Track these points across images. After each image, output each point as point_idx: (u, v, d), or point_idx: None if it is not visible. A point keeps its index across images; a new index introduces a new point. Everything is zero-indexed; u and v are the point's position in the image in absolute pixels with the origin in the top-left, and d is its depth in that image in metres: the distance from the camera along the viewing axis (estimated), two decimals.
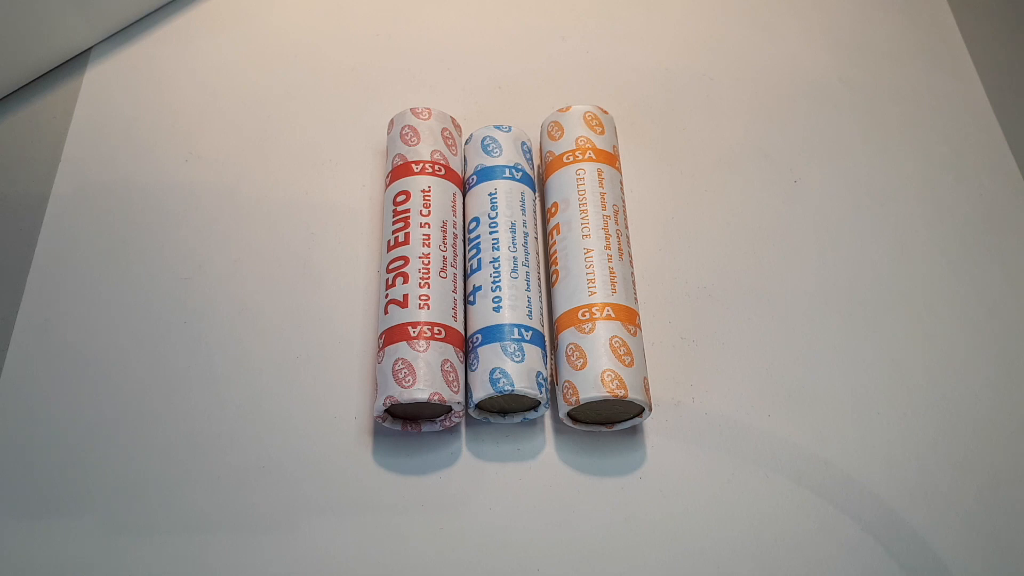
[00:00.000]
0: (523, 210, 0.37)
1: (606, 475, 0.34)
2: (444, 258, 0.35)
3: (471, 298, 0.35)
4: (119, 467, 0.34)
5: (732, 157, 0.43)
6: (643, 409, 0.34)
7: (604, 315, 0.34)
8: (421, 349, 0.33)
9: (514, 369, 0.33)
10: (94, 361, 0.36)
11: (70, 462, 0.34)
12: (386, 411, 0.34)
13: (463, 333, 0.35)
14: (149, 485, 0.34)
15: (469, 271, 0.36)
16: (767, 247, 0.40)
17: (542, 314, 0.35)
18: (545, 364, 0.34)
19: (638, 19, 0.48)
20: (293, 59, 0.45)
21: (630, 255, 0.36)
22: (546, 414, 0.36)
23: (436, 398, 0.32)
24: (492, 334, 0.34)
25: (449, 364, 0.33)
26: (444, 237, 0.36)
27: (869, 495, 0.34)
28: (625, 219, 0.37)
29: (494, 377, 0.33)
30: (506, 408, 0.35)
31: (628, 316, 0.34)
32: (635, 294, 0.35)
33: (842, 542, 0.33)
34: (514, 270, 0.35)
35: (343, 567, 0.32)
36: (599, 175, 0.37)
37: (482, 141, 0.39)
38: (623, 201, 0.38)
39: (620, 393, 0.32)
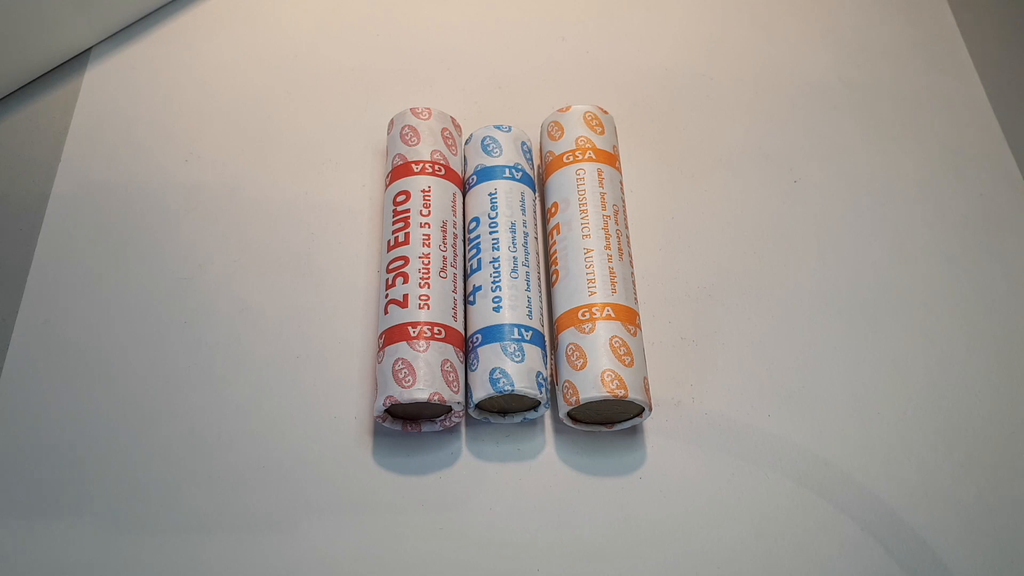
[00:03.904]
0: (523, 210, 0.37)
1: (606, 475, 0.34)
2: (444, 258, 0.35)
3: (471, 298, 0.35)
4: (119, 467, 0.34)
5: (732, 157, 0.43)
6: (643, 409, 0.34)
7: (604, 315, 0.34)
8: (421, 349, 0.33)
9: (514, 369, 0.33)
10: (94, 361, 0.36)
11: (70, 462, 0.34)
12: (386, 411, 0.34)
13: (463, 333, 0.35)
14: (149, 485, 0.34)
15: (469, 271, 0.36)
16: (767, 247, 0.40)
17: (542, 314, 0.35)
18: (545, 364, 0.34)
19: (638, 19, 0.48)
20: (293, 59, 0.45)
21: (630, 255, 0.36)
22: (546, 414, 0.36)
23: (436, 398, 0.32)
24: (492, 334, 0.34)
25: (449, 364, 0.33)
26: (444, 237, 0.36)
27: (869, 495, 0.34)
28: (625, 219, 0.37)
29: (494, 377, 0.33)
30: (506, 408, 0.34)
31: (628, 316, 0.34)
32: (635, 294, 0.35)
33: (842, 542, 0.33)
34: (514, 270, 0.35)
35: (343, 567, 0.32)
36: (599, 175, 0.37)
37: (482, 141, 0.39)
38: (623, 201, 0.38)
39: (620, 393, 0.32)
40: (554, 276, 0.36)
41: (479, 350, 0.34)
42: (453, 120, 0.40)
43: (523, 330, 0.34)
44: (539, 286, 0.36)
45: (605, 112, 0.40)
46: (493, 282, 0.35)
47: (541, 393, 0.33)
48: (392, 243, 0.36)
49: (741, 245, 0.40)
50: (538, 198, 0.40)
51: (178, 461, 0.34)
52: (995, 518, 0.34)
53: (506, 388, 0.33)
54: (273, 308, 0.38)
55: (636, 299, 0.35)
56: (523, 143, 0.39)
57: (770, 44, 0.47)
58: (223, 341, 0.37)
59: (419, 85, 0.44)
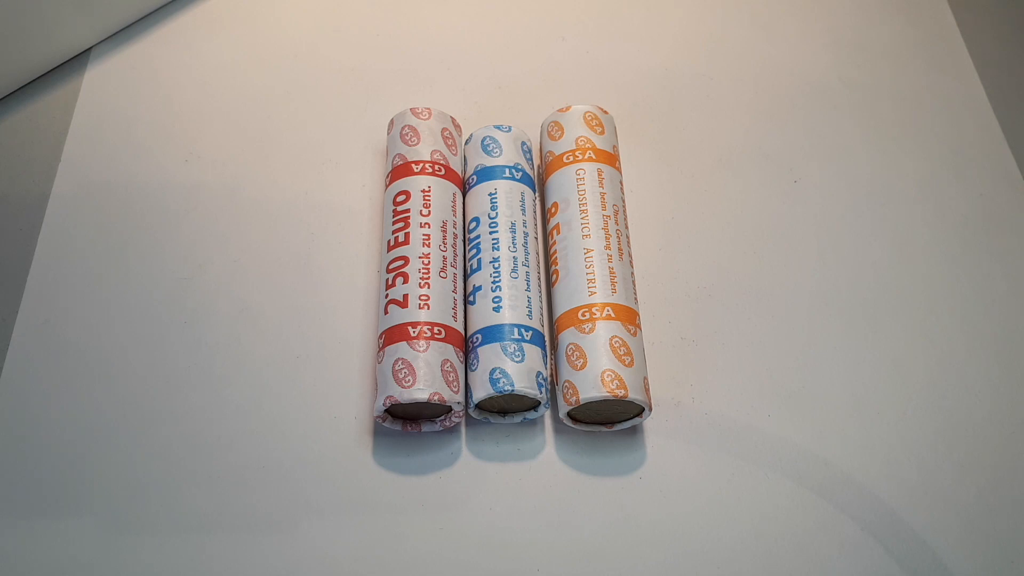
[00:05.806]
0: (523, 210, 0.37)
1: (606, 475, 0.34)
2: (444, 258, 0.35)
3: (471, 298, 0.35)
4: (119, 467, 0.34)
5: (732, 157, 0.43)
6: (643, 409, 0.34)
7: (604, 315, 0.34)
8: (421, 349, 0.33)
9: (514, 369, 0.33)
10: (94, 361, 0.36)
11: (70, 462, 0.34)
12: (386, 411, 0.34)
13: (463, 333, 0.35)
14: (149, 485, 0.34)
15: (469, 271, 0.36)
16: (767, 247, 0.40)
17: (542, 314, 0.35)
18: (545, 364, 0.34)
19: (638, 19, 0.48)
20: (293, 59, 0.45)
21: (630, 255, 0.36)
22: (546, 414, 0.36)
23: (436, 398, 0.32)
24: (492, 334, 0.34)
25: (449, 364, 0.33)
26: (444, 237, 0.36)
27: (869, 495, 0.34)
28: (625, 219, 0.37)
29: (494, 377, 0.33)
30: (506, 408, 0.35)
31: (628, 316, 0.34)
32: (635, 294, 0.35)
33: (842, 542, 0.33)
34: (514, 270, 0.35)
35: (343, 567, 0.32)
36: (599, 175, 0.37)
37: (482, 141, 0.39)
38: (623, 201, 0.38)
39: (620, 393, 0.32)
40: (554, 276, 0.36)
41: (479, 350, 0.34)
42: (453, 120, 0.40)
43: (523, 330, 0.34)
44: (539, 286, 0.36)
45: (605, 112, 0.40)
46: (493, 282, 0.35)
47: (541, 393, 0.33)
48: (392, 243, 0.36)
49: (741, 245, 0.40)
50: (538, 198, 0.40)
51: (178, 461, 0.34)
52: (995, 518, 0.34)
53: (506, 388, 0.33)
54: (273, 308, 0.38)
55: (636, 299, 0.35)
56: (523, 143, 0.39)
57: (770, 44, 0.47)
58: (223, 341, 0.37)
59: (419, 85, 0.44)
